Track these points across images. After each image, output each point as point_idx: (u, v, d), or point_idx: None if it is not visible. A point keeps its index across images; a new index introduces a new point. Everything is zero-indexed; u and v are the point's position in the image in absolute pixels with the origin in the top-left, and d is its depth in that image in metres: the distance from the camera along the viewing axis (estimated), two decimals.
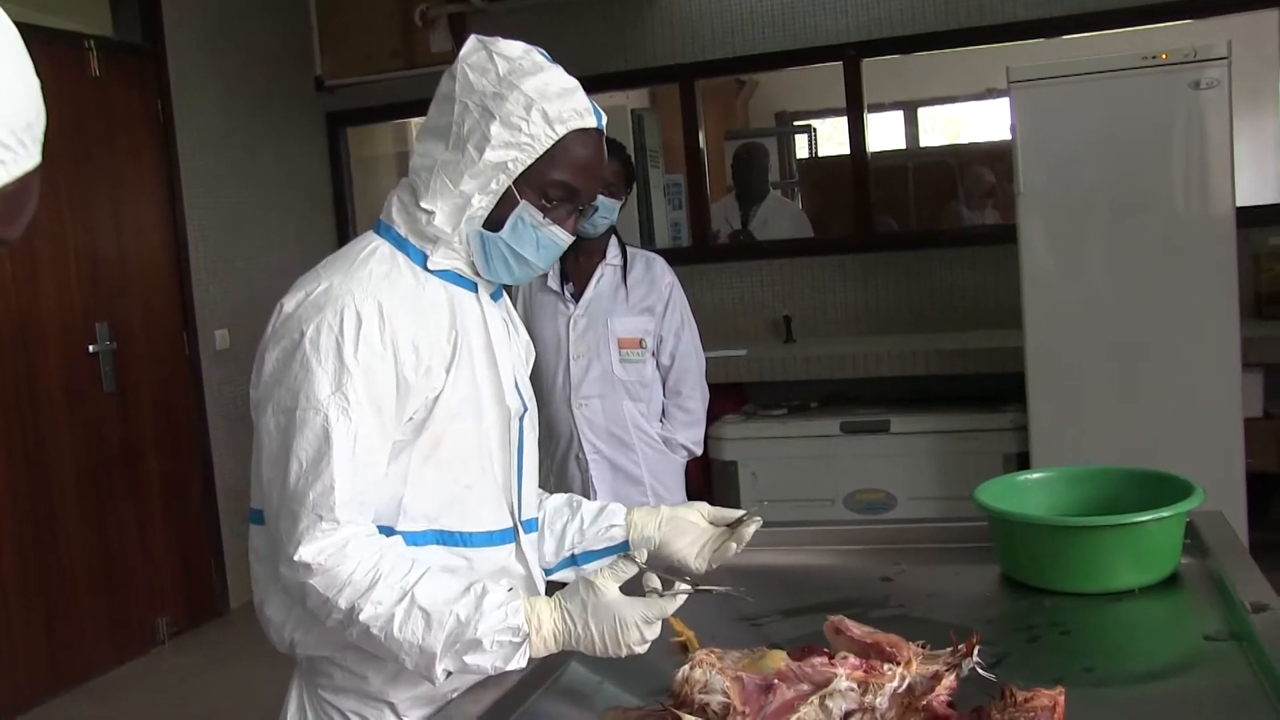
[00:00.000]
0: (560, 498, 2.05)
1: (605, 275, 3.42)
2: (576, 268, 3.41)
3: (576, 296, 3.40)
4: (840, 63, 5.78)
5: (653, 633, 1.62)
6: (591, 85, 1.81)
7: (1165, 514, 1.87)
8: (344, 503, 1.60)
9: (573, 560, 2.00)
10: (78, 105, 4.91)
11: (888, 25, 5.63)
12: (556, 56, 1.77)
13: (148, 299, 5.38)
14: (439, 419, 1.71)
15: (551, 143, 1.69)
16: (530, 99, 1.68)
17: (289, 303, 1.69)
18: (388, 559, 1.61)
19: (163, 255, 5.49)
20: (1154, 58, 4.23)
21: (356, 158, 6.89)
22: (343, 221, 6.71)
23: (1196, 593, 1.88)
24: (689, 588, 1.68)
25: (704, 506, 2.01)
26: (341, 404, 1.61)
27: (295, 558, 1.59)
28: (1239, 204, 4.25)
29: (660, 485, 3.49)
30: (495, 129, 1.67)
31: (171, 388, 5.49)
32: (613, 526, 1.99)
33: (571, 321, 3.38)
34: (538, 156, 1.69)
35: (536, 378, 3.10)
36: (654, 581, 1.66)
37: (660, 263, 3.53)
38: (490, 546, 1.79)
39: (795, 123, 8.43)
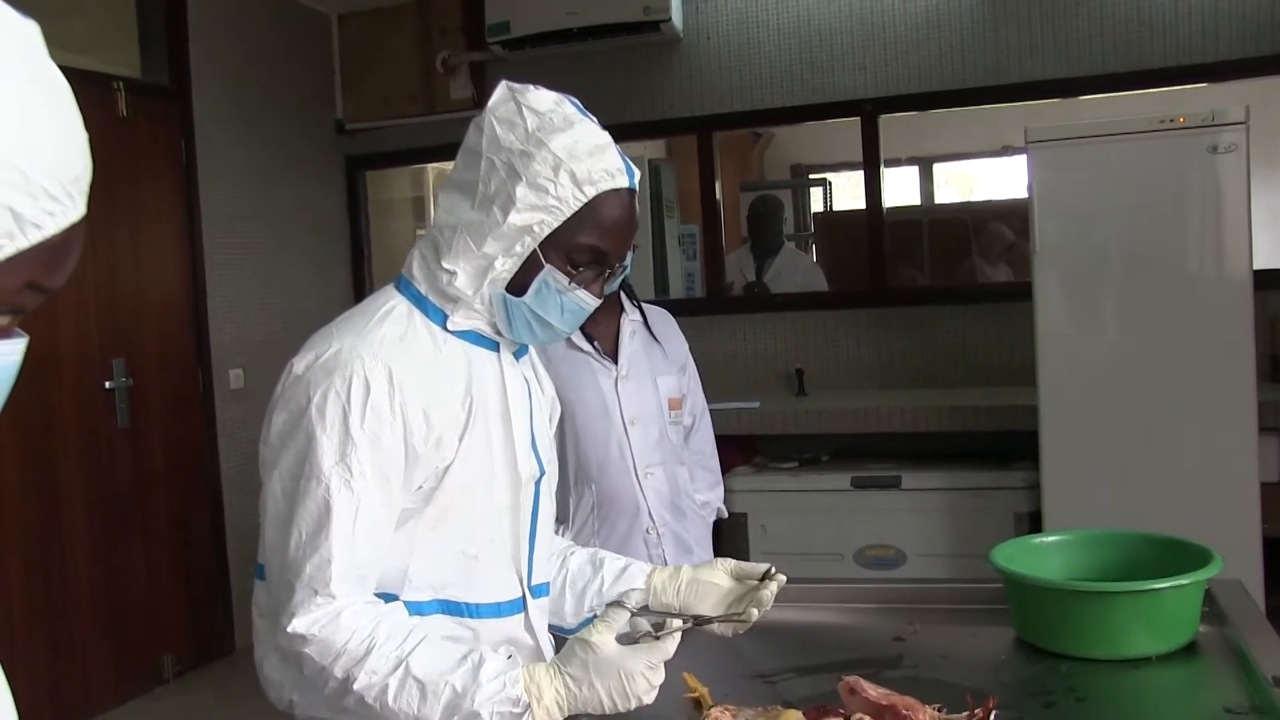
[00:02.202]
0: (583, 555, 2.01)
1: (635, 331, 3.14)
2: (596, 324, 3.04)
3: (610, 355, 3.08)
4: (857, 118, 5.81)
5: (658, 678, 1.58)
6: (609, 135, 1.77)
7: (1184, 581, 1.86)
8: (340, 577, 1.57)
9: (594, 618, 1.98)
10: (105, 145, 4.84)
11: (905, 82, 5.67)
12: None
13: (164, 336, 5.41)
14: (449, 489, 1.68)
15: (580, 205, 1.64)
16: (559, 159, 1.62)
17: (299, 364, 1.66)
18: (383, 627, 1.58)
19: (180, 293, 5.52)
20: (1172, 121, 4.24)
21: (374, 201, 6.93)
22: (359, 264, 6.75)
23: (1215, 663, 1.86)
24: (681, 624, 1.65)
25: (728, 563, 1.96)
26: (344, 475, 1.58)
27: (289, 629, 1.56)
28: (1256, 267, 4.25)
29: (704, 554, 3.21)
30: (521, 191, 1.62)
31: (184, 426, 5.50)
32: (633, 590, 1.91)
33: (619, 384, 3.04)
34: (565, 219, 1.64)
35: (582, 447, 2.97)
36: (644, 625, 1.63)
37: (668, 315, 3.30)
38: (497, 618, 1.76)
39: (810, 175, 8.47)
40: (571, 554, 2.01)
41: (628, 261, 2.97)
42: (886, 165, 5.97)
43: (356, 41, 6.49)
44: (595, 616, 1.92)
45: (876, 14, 5.69)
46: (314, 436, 1.59)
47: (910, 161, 8.16)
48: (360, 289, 6.71)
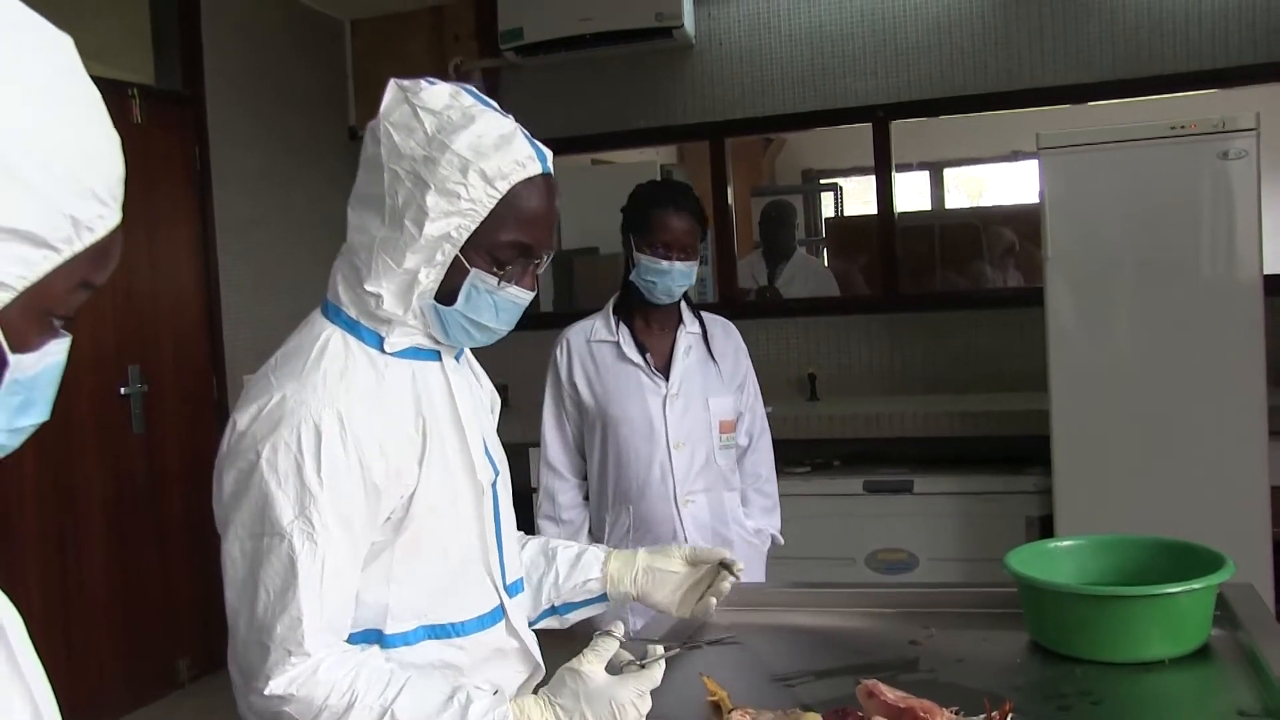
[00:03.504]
0: (534, 546, 1.99)
1: (691, 346, 3.00)
2: (650, 335, 2.98)
3: (662, 371, 2.96)
4: (869, 123, 5.83)
5: (646, 707, 1.57)
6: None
7: (1197, 585, 1.88)
8: (313, 632, 1.52)
9: (554, 610, 1.96)
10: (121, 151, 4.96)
11: (917, 88, 5.68)
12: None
13: (179, 342, 5.44)
14: (417, 515, 1.64)
15: (495, 202, 1.58)
16: (465, 160, 1.55)
17: (241, 418, 1.58)
18: (363, 677, 1.53)
19: (195, 298, 5.55)
20: (1182, 127, 4.25)
21: None
22: None
23: (1228, 666, 1.88)
24: (663, 651, 1.65)
25: (684, 548, 1.95)
26: (306, 529, 1.52)
27: (266, 692, 1.51)
28: (1266, 272, 4.26)
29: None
30: (432, 199, 1.55)
31: (198, 430, 5.52)
32: (589, 580, 1.94)
33: (668, 402, 2.92)
34: (482, 220, 1.58)
35: (623, 467, 2.89)
36: (626, 655, 1.62)
37: (733, 328, 3.15)
38: (482, 631, 1.74)
39: (821, 181, 8.48)
40: (523, 545, 1.98)
41: (673, 267, 2.82)
42: (897, 170, 5.98)
43: (369, 47, 6.51)
44: (557, 609, 1.91)
45: (888, 19, 5.70)
46: (268, 493, 1.53)
47: (921, 166, 8.17)
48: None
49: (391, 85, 1.65)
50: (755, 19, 5.91)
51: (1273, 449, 4.30)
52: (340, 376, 1.59)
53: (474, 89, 1.66)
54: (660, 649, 1.64)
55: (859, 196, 8.23)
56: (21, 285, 0.87)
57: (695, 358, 3.00)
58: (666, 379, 2.94)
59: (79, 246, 0.90)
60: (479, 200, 1.57)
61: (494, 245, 1.61)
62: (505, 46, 5.84)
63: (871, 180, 6.00)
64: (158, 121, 5.30)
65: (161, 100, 5.38)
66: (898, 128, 5.82)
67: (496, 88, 6.17)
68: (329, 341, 1.64)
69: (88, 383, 4.90)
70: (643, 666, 1.60)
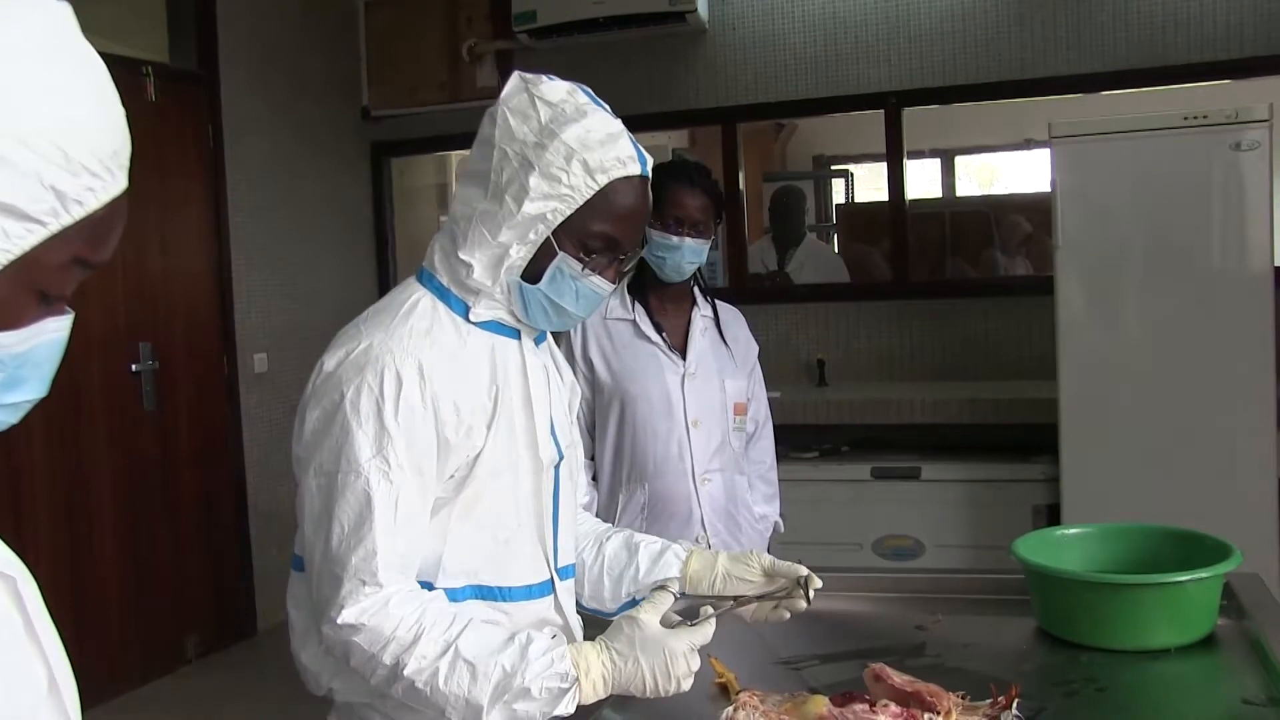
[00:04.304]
0: (619, 539, 2.02)
1: (706, 328, 3.01)
2: (665, 314, 2.99)
3: (679, 350, 2.96)
4: (880, 110, 5.82)
5: (696, 663, 1.62)
6: (633, 125, 1.76)
7: (1204, 575, 1.89)
8: (386, 566, 1.60)
9: (634, 602, 1.95)
10: (134, 129, 4.94)
11: (930, 75, 5.67)
12: (601, 96, 1.72)
13: (190, 320, 5.46)
14: (480, 477, 1.71)
15: (592, 193, 1.66)
16: (571, 149, 1.64)
17: (329, 361, 1.68)
18: (430, 613, 1.60)
19: (207, 277, 5.58)
20: (1195, 118, 4.25)
21: (399, 187, 6.96)
22: (382, 250, 6.78)
23: (1234, 655, 1.89)
24: (713, 611, 1.68)
25: (764, 558, 1.95)
26: (382, 467, 1.60)
27: (339, 620, 1.59)
28: (1277, 263, 4.26)
29: None
30: (534, 180, 1.64)
31: (209, 409, 5.55)
32: (669, 580, 1.91)
33: (686, 380, 2.92)
34: (577, 207, 1.66)
35: (640, 444, 2.87)
36: (673, 617, 1.65)
37: (740, 315, 3.17)
38: (528, 600, 1.79)
39: (832, 167, 8.47)
40: (608, 538, 2.02)
41: (684, 244, 2.81)
42: (909, 157, 5.97)
43: (383, 29, 6.52)
44: (636, 601, 1.93)
45: (902, 7, 5.69)
46: (350, 431, 1.61)
47: (932, 154, 8.15)
48: (384, 275, 6.75)
49: (515, 75, 1.74)
50: (769, 5, 5.90)
51: None
52: (426, 333, 1.68)
53: (589, 89, 1.73)
54: (710, 609, 1.68)
55: (869, 183, 8.20)
56: (4, 259, 0.86)
57: (710, 339, 3.01)
58: (684, 359, 2.94)
59: (66, 220, 0.88)
60: (578, 188, 1.65)
61: (584, 234, 1.69)
62: (519, 29, 5.84)
63: (882, 167, 5.99)
64: (172, 100, 5.31)
65: (175, 79, 5.40)
66: (910, 115, 5.81)
67: (509, 71, 6.16)
68: (418, 303, 1.72)
69: (99, 359, 4.93)
70: (694, 625, 1.64)
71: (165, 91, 5.25)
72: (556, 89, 1.70)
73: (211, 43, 5.57)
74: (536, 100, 1.68)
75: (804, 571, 1.87)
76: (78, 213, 0.88)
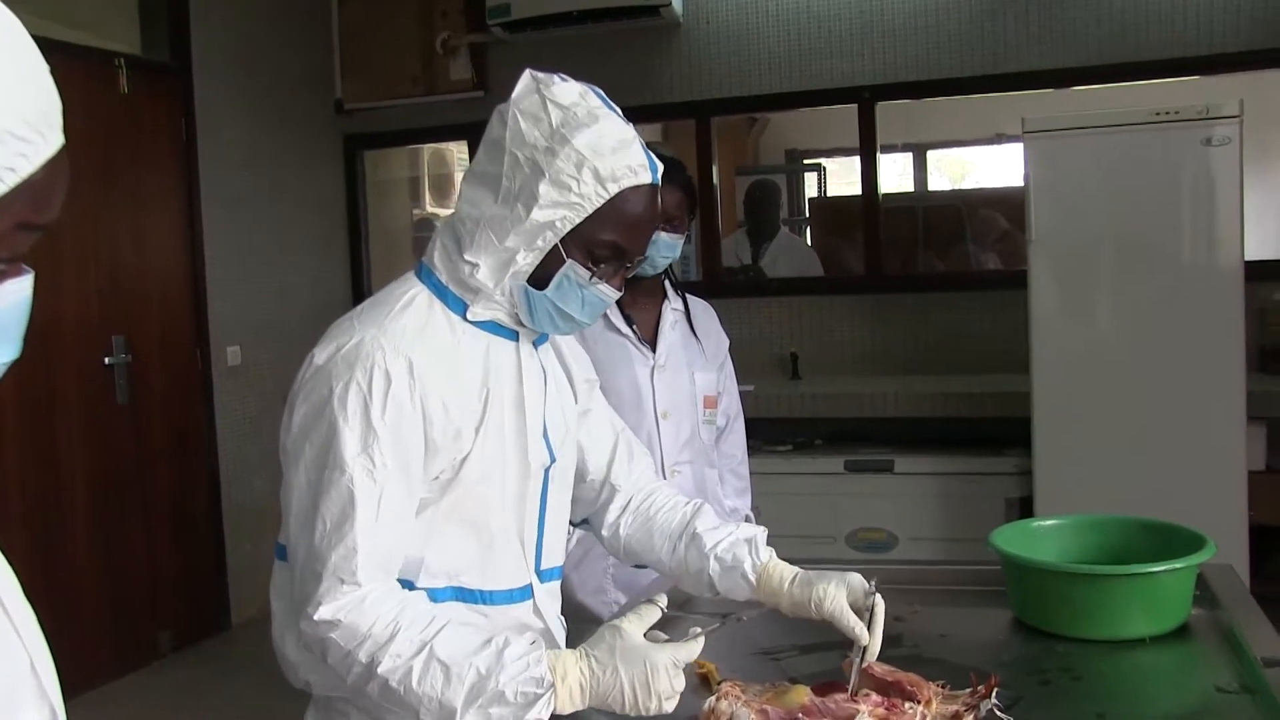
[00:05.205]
0: (727, 538, 1.97)
1: (676, 321, 3.02)
2: (636, 307, 2.98)
3: (649, 343, 2.96)
4: (853, 104, 5.84)
5: (680, 682, 1.58)
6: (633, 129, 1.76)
7: (1178, 565, 1.92)
8: (365, 565, 1.59)
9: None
10: (107, 121, 4.99)
11: (903, 70, 5.70)
12: None
13: (164, 313, 5.44)
14: (465, 480, 1.70)
15: (602, 201, 1.64)
16: (582, 156, 1.62)
17: (320, 354, 1.67)
18: (407, 613, 1.59)
19: (180, 270, 5.55)
20: (1167, 113, 4.29)
21: (372, 180, 6.94)
22: (356, 243, 6.76)
23: (1207, 644, 1.92)
24: (701, 630, 1.65)
25: (832, 605, 1.81)
26: (367, 466, 1.59)
27: (315, 616, 1.58)
28: (1247, 258, 4.30)
29: None
30: (544, 187, 1.62)
31: (183, 402, 5.52)
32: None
33: (655, 373, 2.92)
34: (587, 215, 1.65)
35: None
36: (662, 635, 1.63)
37: (711, 309, 3.18)
38: (509, 604, 1.78)
39: (805, 161, 8.50)
40: (700, 514, 2.02)
41: (659, 239, 2.75)
42: (881, 151, 6.00)
43: (357, 21, 6.49)
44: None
45: (874, 2, 5.71)
46: (336, 427, 1.60)
47: (905, 148, 8.19)
48: (357, 267, 6.73)
49: (526, 74, 1.71)
50: None
51: (1250, 433, 4.36)
52: (419, 331, 1.67)
53: (602, 92, 1.71)
54: (699, 629, 1.65)
55: (842, 177, 8.24)
56: None
57: (680, 332, 3.01)
58: (653, 351, 2.94)
59: (2, 189, 0.86)
60: (588, 196, 1.63)
61: (593, 242, 1.67)
62: (493, 22, 5.83)
63: (855, 161, 6.02)
64: (144, 92, 5.28)
65: (148, 71, 5.36)
66: (882, 109, 5.83)
67: (483, 64, 6.17)
68: (414, 299, 1.71)
69: (72, 351, 4.90)
70: (680, 642, 1.61)
71: (138, 83, 5.22)
72: (569, 91, 1.67)
73: (184, 35, 5.54)
74: (548, 102, 1.65)
75: (865, 641, 1.77)
76: (12, 180, 0.87)
